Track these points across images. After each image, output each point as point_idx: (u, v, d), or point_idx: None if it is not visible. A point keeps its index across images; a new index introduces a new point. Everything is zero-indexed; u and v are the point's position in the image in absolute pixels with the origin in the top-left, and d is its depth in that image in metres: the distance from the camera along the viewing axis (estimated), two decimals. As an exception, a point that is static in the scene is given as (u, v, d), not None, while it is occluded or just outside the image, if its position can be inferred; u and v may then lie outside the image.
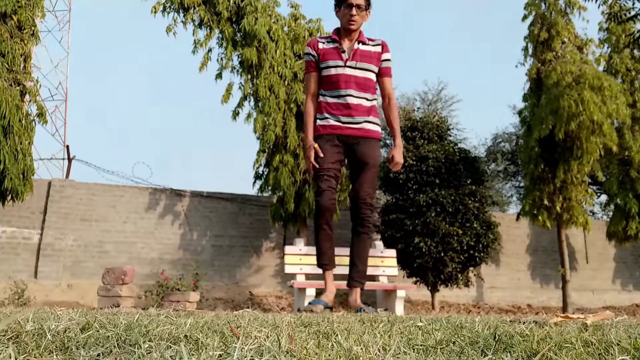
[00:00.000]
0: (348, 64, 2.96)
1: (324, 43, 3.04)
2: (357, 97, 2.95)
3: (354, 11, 2.93)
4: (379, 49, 3.01)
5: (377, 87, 3.11)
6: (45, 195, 8.49)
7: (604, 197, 13.57)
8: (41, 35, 7.63)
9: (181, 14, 8.17)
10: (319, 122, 3.04)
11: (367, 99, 2.97)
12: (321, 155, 2.93)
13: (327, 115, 2.99)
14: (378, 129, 3.04)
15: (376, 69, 3.00)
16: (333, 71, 2.96)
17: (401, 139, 3.09)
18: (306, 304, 2.82)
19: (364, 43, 3.01)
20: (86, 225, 8.67)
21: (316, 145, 2.97)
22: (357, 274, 3.01)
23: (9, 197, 6.75)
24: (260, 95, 7.93)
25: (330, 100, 2.99)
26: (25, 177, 6.78)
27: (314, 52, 3.04)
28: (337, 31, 3.07)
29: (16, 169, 6.55)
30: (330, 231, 2.94)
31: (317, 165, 2.93)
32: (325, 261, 2.93)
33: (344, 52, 2.98)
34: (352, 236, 3.05)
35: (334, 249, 3.00)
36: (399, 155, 2.99)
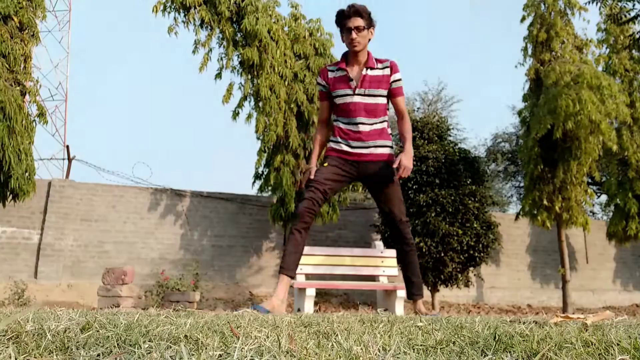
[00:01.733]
0: (357, 91, 2.98)
1: (333, 71, 3.06)
2: (367, 123, 2.99)
3: (353, 35, 2.92)
4: (387, 71, 3.01)
5: (390, 106, 3.14)
6: (45, 195, 8.49)
7: (604, 197, 13.58)
8: (41, 36, 7.63)
9: (182, 14, 8.17)
10: (331, 144, 3.09)
11: (377, 123, 3.02)
12: (312, 177, 2.97)
13: (339, 138, 3.05)
14: (389, 151, 3.06)
15: (386, 92, 3.02)
16: (341, 100, 3.01)
17: (412, 147, 3.04)
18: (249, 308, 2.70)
19: (372, 68, 3.01)
20: (86, 226, 8.67)
21: (314, 168, 3.03)
22: (415, 287, 3.13)
23: (10, 197, 6.75)
24: (262, 96, 7.93)
25: (342, 126, 3.05)
26: (28, 177, 6.79)
27: (324, 82, 3.07)
28: (345, 56, 3.08)
29: (20, 169, 6.57)
30: (300, 238, 2.89)
31: (311, 177, 2.97)
32: (284, 265, 2.88)
33: (351, 80, 2.99)
34: (400, 255, 3.12)
35: (300, 256, 2.92)
36: (406, 160, 2.95)
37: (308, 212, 2.88)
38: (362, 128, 2.98)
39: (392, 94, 3.04)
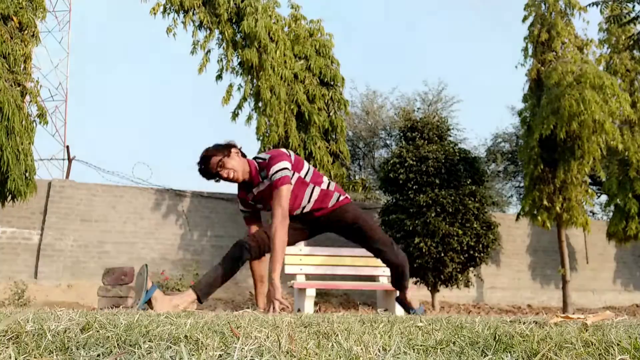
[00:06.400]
0: (268, 207, 2.88)
1: (245, 198, 2.99)
2: (299, 210, 2.89)
3: (223, 174, 2.81)
4: (267, 181, 2.84)
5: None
6: (45, 195, 8.49)
7: (604, 197, 13.58)
8: (41, 36, 7.63)
9: (181, 15, 8.17)
10: None
11: (308, 204, 2.89)
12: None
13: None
14: (342, 198, 2.96)
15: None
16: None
17: (278, 279, 2.64)
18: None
19: (258, 184, 2.89)
20: (86, 226, 8.67)
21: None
22: (402, 289, 3.21)
23: (9, 198, 6.75)
24: (263, 97, 7.94)
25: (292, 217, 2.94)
26: (28, 177, 6.80)
27: (246, 209, 3.03)
28: (238, 186, 3.01)
29: (18, 169, 6.57)
30: (223, 265, 2.77)
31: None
32: (197, 282, 2.79)
33: (257, 204, 2.96)
34: (395, 277, 3.15)
35: (215, 281, 2.75)
36: (271, 298, 2.63)
37: (240, 244, 2.82)
38: (307, 208, 2.90)
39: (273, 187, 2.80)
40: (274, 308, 2.59)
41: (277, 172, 2.78)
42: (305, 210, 2.90)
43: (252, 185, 2.90)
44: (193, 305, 2.71)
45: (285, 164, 2.80)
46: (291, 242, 2.87)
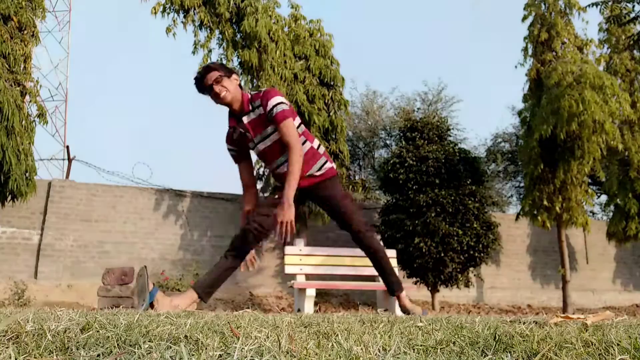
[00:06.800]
0: (255, 140, 2.82)
1: (234, 132, 2.88)
2: (285, 162, 2.77)
3: (216, 89, 2.73)
4: (261, 110, 2.77)
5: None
6: (45, 195, 8.49)
7: (604, 197, 13.58)
8: (41, 36, 7.63)
9: (181, 15, 8.17)
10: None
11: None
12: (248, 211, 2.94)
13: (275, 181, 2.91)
14: (322, 171, 2.87)
15: (273, 127, 2.76)
16: (254, 151, 2.89)
17: (292, 191, 2.68)
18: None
19: (247, 113, 2.80)
20: (86, 226, 8.67)
21: (246, 214, 2.98)
22: (394, 284, 3.08)
23: (9, 198, 6.75)
24: (263, 97, 7.93)
25: (269, 170, 2.94)
26: (28, 177, 6.80)
27: (231, 147, 2.93)
28: (228, 114, 2.90)
29: (20, 169, 6.57)
30: (224, 262, 2.75)
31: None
32: (197, 281, 2.75)
33: (245, 133, 2.82)
34: (374, 262, 3.02)
35: (216, 282, 2.72)
36: (280, 212, 2.66)
37: (237, 239, 2.80)
38: (283, 169, 2.81)
39: (273, 122, 2.75)
40: (280, 229, 2.62)
41: (276, 105, 2.72)
42: (286, 169, 2.75)
43: (242, 115, 2.82)
44: (193, 305, 2.70)
45: (283, 99, 2.77)
46: (268, 227, 2.80)
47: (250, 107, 2.80)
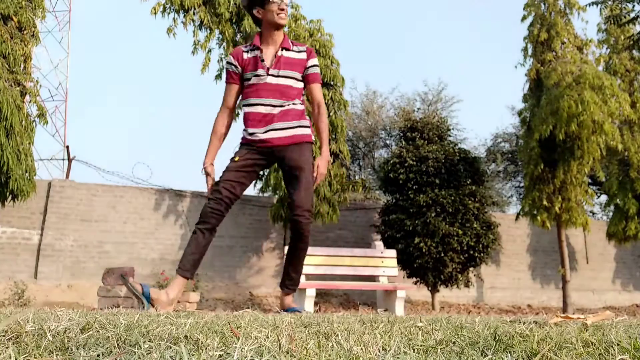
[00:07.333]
0: (270, 72, 2.79)
1: (247, 52, 2.86)
2: (278, 105, 2.78)
3: (283, 5, 2.77)
4: (303, 55, 2.87)
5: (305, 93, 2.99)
6: (45, 195, 8.49)
7: (604, 198, 13.58)
8: (41, 36, 7.64)
9: (181, 15, 8.17)
10: (243, 133, 2.88)
11: (290, 104, 2.82)
12: (217, 178, 2.82)
13: (249, 128, 2.83)
14: (305, 131, 2.87)
15: (300, 76, 2.86)
16: (254, 81, 2.81)
17: (328, 149, 2.90)
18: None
19: (287, 49, 2.85)
20: (86, 226, 8.67)
21: (210, 169, 2.87)
22: (292, 281, 2.94)
23: (9, 198, 6.75)
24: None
25: (252, 110, 2.82)
26: (28, 177, 6.80)
27: (236, 63, 2.86)
28: (259, 36, 2.87)
29: (20, 169, 6.57)
30: (202, 239, 2.71)
31: (213, 187, 2.82)
32: (181, 265, 2.71)
33: (263, 60, 2.80)
34: (291, 249, 2.88)
35: (199, 258, 2.73)
36: (323, 166, 2.82)
37: (212, 212, 2.72)
38: (274, 110, 2.78)
39: (308, 80, 2.89)
40: (316, 178, 2.81)
41: (316, 65, 2.91)
42: (277, 112, 2.80)
43: (279, 47, 2.85)
44: (193, 305, 2.74)
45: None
46: (239, 193, 2.79)
47: (292, 47, 2.89)
